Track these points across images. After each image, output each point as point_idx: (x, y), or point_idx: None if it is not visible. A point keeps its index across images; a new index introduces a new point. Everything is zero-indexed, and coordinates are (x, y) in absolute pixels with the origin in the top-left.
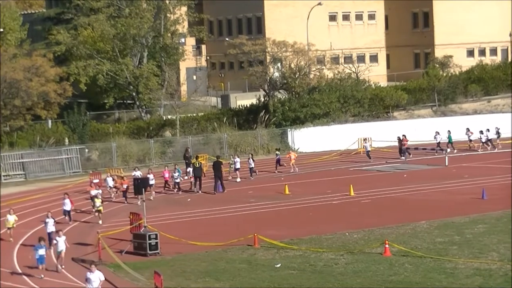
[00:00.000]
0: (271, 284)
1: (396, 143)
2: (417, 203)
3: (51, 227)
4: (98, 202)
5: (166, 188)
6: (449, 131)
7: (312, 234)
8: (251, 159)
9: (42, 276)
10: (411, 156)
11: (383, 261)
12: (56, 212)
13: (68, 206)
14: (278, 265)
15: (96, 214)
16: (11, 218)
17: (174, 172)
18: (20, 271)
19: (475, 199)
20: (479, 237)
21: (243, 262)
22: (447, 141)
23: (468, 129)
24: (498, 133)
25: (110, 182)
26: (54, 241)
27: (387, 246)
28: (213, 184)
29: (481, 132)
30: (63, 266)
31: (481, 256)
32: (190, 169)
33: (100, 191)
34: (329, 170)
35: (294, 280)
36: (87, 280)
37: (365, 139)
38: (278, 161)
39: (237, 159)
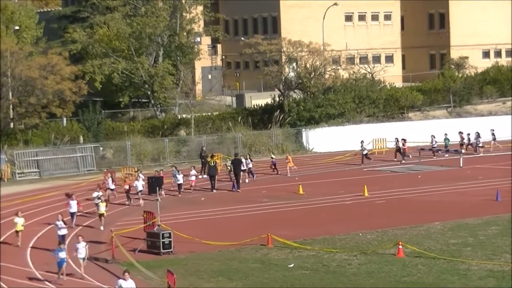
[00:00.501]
0: (284, 284)
1: (394, 145)
2: (431, 204)
3: (63, 230)
4: (102, 206)
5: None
6: (446, 134)
7: (325, 235)
8: (248, 160)
9: (63, 278)
10: (410, 157)
11: (396, 262)
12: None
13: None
14: (291, 265)
15: (99, 218)
16: (20, 221)
17: (176, 174)
18: (37, 274)
19: (489, 201)
20: (493, 239)
21: (256, 262)
22: (444, 144)
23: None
24: (493, 135)
25: (110, 184)
26: (76, 247)
27: (400, 247)
28: (231, 183)
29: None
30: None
31: (495, 257)
32: (193, 172)
33: (100, 193)
34: (343, 171)
35: (307, 280)
36: None
37: (362, 141)
38: (274, 164)
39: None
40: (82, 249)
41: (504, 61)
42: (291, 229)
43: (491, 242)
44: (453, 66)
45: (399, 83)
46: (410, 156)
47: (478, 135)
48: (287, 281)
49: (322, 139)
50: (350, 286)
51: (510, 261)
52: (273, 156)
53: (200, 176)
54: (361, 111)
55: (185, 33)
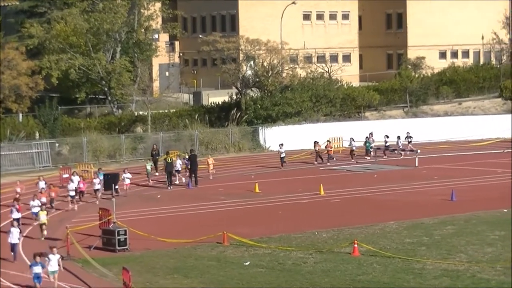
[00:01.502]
0: (240, 281)
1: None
2: (387, 204)
3: (15, 238)
4: (42, 214)
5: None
6: (367, 137)
7: (281, 233)
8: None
9: None
10: (334, 159)
11: (352, 261)
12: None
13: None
14: (247, 263)
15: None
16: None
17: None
18: None
19: (444, 201)
20: (448, 238)
21: (212, 260)
22: (365, 147)
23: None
24: (409, 137)
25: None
26: (47, 259)
27: (356, 245)
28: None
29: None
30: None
31: (449, 257)
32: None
33: (38, 201)
34: (299, 169)
35: (263, 278)
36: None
37: (371, 134)
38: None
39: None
40: (55, 263)
41: (460, 61)
42: (247, 227)
43: (446, 242)
44: (410, 66)
45: (356, 83)
46: (335, 158)
47: (398, 138)
48: (243, 279)
49: (279, 138)
50: (306, 285)
51: (464, 260)
52: (186, 156)
53: (157, 174)
54: (318, 110)
55: (143, 30)
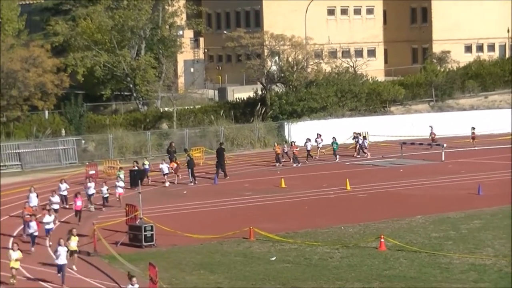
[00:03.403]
0: (266, 277)
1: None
2: (413, 198)
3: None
4: (74, 241)
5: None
6: (334, 137)
7: (307, 228)
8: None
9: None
10: (300, 165)
11: (378, 256)
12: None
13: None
14: (273, 258)
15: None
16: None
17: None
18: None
19: (471, 195)
20: (475, 233)
21: (238, 255)
22: (332, 148)
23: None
24: (364, 137)
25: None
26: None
27: (382, 240)
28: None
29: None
30: None
31: (476, 251)
32: (162, 166)
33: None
34: (325, 164)
35: (289, 273)
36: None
37: (319, 135)
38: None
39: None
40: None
41: (486, 55)
42: (274, 222)
43: (473, 236)
44: (435, 60)
45: (381, 77)
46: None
47: (364, 138)
48: (269, 274)
49: (304, 133)
50: (332, 280)
51: (491, 255)
52: (145, 163)
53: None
54: (343, 105)
55: (167, 26)
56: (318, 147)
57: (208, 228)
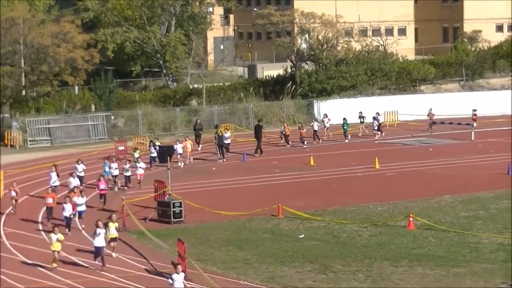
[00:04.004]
0: (294, 254)
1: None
2: (442, 177)
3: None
4: (113, 227)
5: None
6: (344, 118)
7: (336, 206)
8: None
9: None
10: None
11: (407, 234)
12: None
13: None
14: (302, 236)
15: (111, 244)
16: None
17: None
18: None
19: (500, 175)
20: (504, 212)
21: (266, 232)
22: (343, 128)
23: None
24: (361, 117)
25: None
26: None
27: (411, 219)
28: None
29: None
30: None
31: (505, 231)
32: (176, 146)
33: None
34: (354, 143)
35: (318, 251)
36: (172, 280)
37: (326, 115)
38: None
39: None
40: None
41: None
42: (302, 200)
43: (502, 216)
44: (466, 40)
45: (411, 56)
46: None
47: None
48: (298, 252)
49: (334, 111)
50: (360, 258)
51: None
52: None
53: (199, 149)
54: (373, 84)
55: (197, 3)
56: (326, 128)
57: (236, 205)
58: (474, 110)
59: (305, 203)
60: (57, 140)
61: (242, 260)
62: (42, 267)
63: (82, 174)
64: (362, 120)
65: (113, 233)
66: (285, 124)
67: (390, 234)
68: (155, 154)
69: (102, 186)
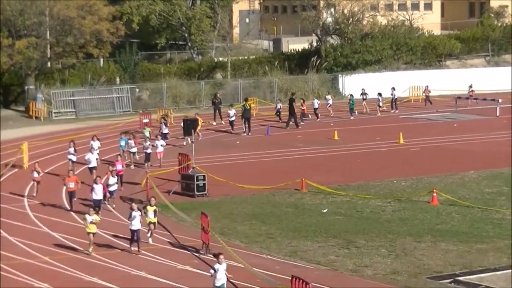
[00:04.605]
0: (317, 228)
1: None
2: (466, 153)
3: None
4: (151, 211)
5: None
6: (351, 95)
7: (359, 181)
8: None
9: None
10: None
11: (430, 210)
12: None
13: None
14: (325, 210)
15: (149, 228)
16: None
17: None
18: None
19: None
20: None
21: (290, 206)
22: (349, 106)
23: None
24: (364, 94)
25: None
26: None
27: (434, 194)
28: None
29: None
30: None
31: None
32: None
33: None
34: (378, 117)
35: (341, 226)
36: (214, 270)
37: (328, 92)
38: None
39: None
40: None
41: None
42: (326, 174)
43: None
44: (492, 15)
45: (437, 31)
46: (310, 116)
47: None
48: (321, 226)
49: (359, 85)
50: (384, 233)
51: None
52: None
53: (214, 123)
54: (399, 58)
55: None
56: (328, 105)
57: (260, 179)
58: (470, 86)
59: (328, 178)
60: (81, 112)
61: (265, 234)
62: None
63: (97, 151)
64: (364, 97)
65: (151, 217)
66: (302, 101)
67: (413, 209)
68: (166, 131)
69: (119, 166)
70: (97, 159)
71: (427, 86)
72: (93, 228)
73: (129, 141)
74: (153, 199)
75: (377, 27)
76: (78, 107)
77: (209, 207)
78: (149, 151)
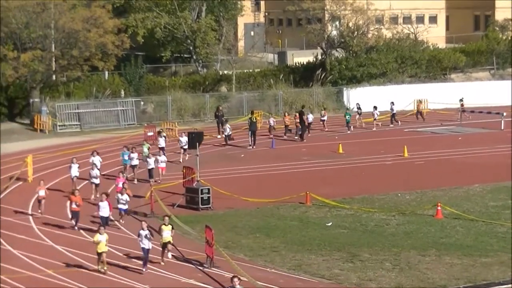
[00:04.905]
0: (322, 242)
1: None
2: (471, 166)
3: (105, 211)
4: (167, 230)
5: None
6: (347, 108)
7: (364, 194)
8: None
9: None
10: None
11: (435, 223)
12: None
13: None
14: (330, 224)
15: (166, 248)
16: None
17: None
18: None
19: None
20: None
21: (294, 220)
22: (345, 119)
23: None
24: (359, 108)
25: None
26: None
27: (439, 208)
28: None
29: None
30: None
31: None
32: (181, 138)
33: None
34: (383, 131)
35: (345, 239)
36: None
37: (303, 106)
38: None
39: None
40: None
41: None
42: (330, 187)
43: None
44: (497, 28)
45: (442, 44)
46: (292, 130)
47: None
48: (325, 239)
49: (363, 99)
50: (388, 246)
51: None
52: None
53: (219, 136)
54: (403, 71)
55: None
56: (322, 120)
57: (264, 192)
58: (461, 100)
59: (333, 191)
60: (86, 125)
61: (270, 247)
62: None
63: (98, 166)
64: (359, 112)
65: (166, 236)
66: (285, 114)
67: (418, 223)
68: (163, 144)
69: (120, 184)
70: (98, 175)
71: (420, 100)
72: (104, 248)
73: (131, 154)
74: (166, 218)
75: (382, 40)
76: (83, 120)
77: (214, 220)
78: (151, 166)
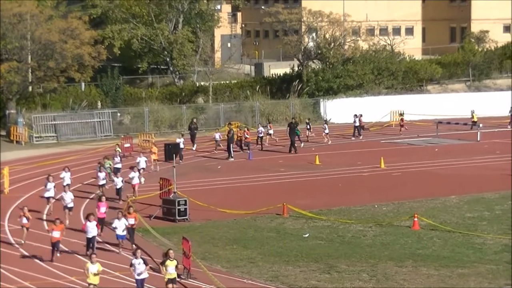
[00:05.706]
0: (299, 253)
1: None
2: (448, 178)
3: (93, 231)
4: (171, 265)
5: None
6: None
7: (341, 205)
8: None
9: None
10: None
11: (412, 235)
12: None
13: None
14: (307, 235)
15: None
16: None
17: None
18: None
19: (506, 175)
20: (509, 213)
21: (271, 231)
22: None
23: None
24: (308, 124)
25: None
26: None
27: (416, 219)
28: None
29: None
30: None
31: (510, 232)
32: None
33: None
34: (360, 142)
35: (322, 250)
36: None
37: (269, 122)
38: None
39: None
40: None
41: None
42: (307, 199)
43: (507, 217)
44: (473, 40)
45: (418, 56)
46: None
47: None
48: (302, 251)
49: (340, 110)
50: (365, 258)
51: None
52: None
53: (193, 148)
54: (380, 83)
55: (205, 0)
56: (269, 134)
57: (241, 204)
58: (401, 115)
59: (310, 202)
60: (63, 136)
61: (247, 258)
62: None
63: (68, 181)
64: (308, 127)
65: (171, 272)
66: (246, 129)
67: (395, 234)
68: (119, 165)
69: (103, 209)
70: (72, 199)
71: (401, 113)
72: (95, 280)
73: (99, 173)
74: (171, 251)
75: (358, 51)
76: (60, 132)
77: (191, 231)
78: (119, 186)
